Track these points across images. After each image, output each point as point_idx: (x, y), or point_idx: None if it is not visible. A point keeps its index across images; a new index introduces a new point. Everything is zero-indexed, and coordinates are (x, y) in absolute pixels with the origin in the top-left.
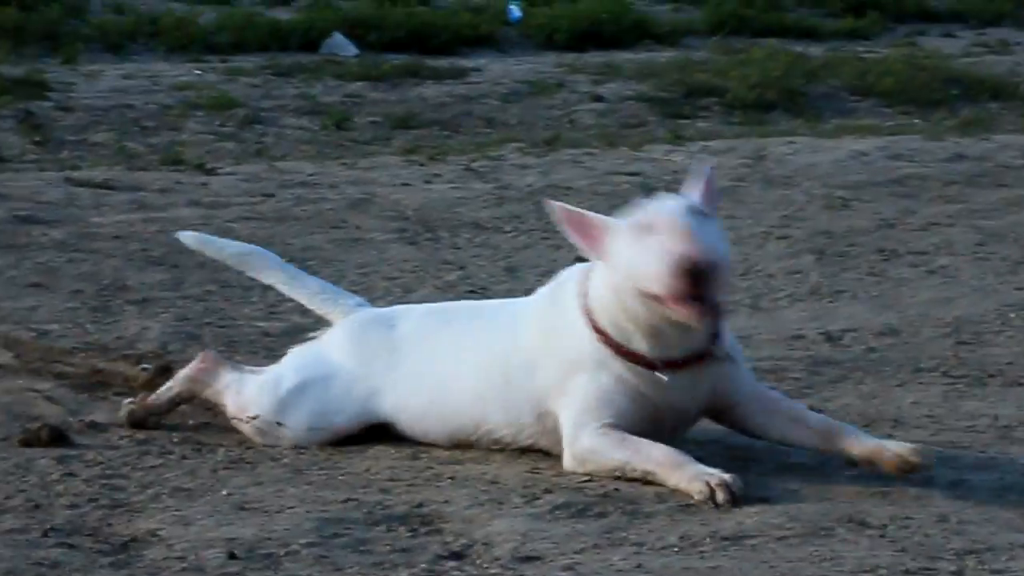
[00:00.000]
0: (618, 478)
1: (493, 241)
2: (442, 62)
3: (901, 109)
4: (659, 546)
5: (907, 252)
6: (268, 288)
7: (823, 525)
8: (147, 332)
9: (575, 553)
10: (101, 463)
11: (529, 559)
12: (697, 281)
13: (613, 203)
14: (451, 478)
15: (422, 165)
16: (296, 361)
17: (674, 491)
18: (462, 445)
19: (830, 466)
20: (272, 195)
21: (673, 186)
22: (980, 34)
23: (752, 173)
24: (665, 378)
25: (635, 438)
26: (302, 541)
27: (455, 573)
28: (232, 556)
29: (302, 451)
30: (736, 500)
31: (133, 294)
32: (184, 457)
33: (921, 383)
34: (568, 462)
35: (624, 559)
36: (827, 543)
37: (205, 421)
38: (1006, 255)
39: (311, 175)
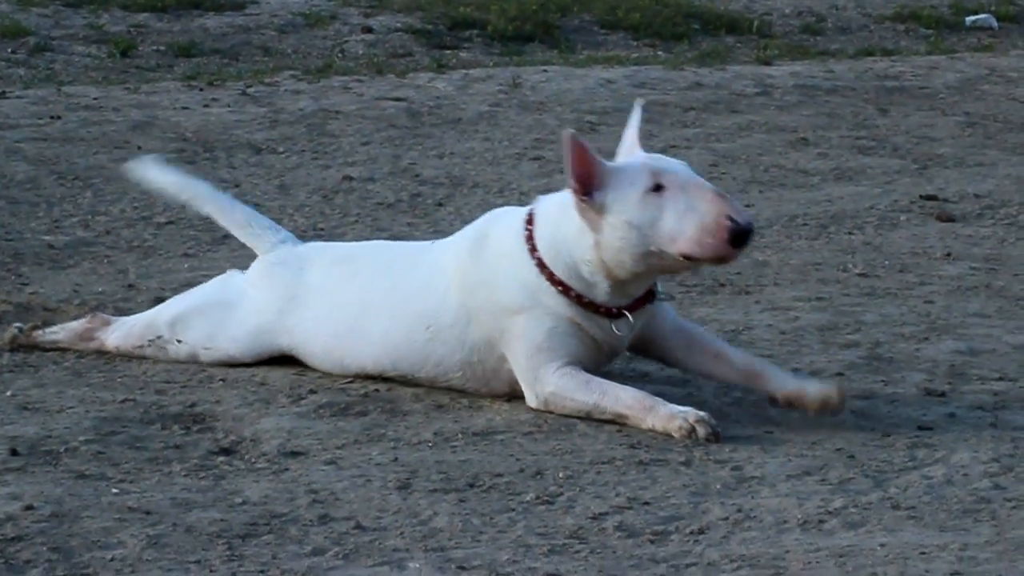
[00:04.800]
0: (583, 418)
1: (267, 161)
2: None
3: (646, 42)
4: (415, 441)
5: None
6: (53, 203)
7: (566, 423)
8: None
9: (337, 448)
10: None
11: (294, 454)
12: (745, 243)
13: (379, 126)
14: (222, 380)
15: (201, 90)
16: (204, 287)
17: (649, 431)
18: None
19: None
20: (59, 117)
21: (436, 111)
22: None
23: (508, 99)
24: (622, 327)
25: (598, 379)
26: (81, 439)
27: (225, 467)
28: (14, 452)
29: (82, 355)
30: (716, 435)
31: None
32: None
33: None
34: (532, 402)
35: (382, 453)
36: (569, 438)
37: None
38: (737, 175)
39: (96, 99)
